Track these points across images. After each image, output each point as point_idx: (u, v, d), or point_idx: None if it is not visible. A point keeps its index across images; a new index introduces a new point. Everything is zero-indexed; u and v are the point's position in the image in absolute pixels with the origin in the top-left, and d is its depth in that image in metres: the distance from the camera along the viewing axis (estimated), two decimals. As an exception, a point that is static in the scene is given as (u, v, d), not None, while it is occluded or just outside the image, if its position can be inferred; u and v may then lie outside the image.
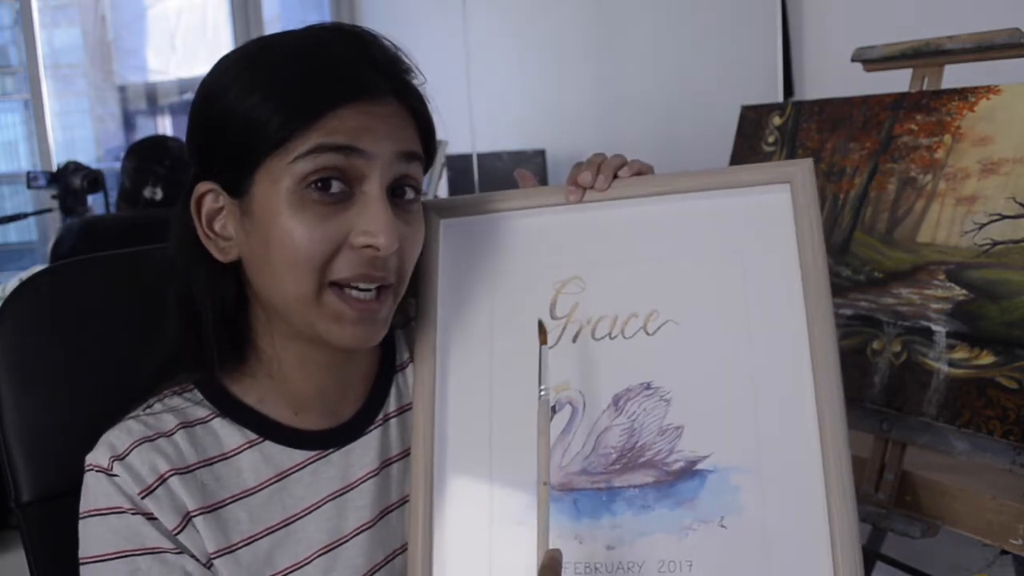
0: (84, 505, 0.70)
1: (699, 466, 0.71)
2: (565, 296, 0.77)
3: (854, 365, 1.06)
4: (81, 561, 0.69)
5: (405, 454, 0.80)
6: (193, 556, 0.69)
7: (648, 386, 0.74)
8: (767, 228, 0.74)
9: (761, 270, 0.74)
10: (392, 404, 0.81)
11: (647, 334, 0.75)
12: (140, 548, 0.68)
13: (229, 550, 0.71)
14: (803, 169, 0.74)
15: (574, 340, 0.76)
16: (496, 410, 0.76)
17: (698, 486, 0.70)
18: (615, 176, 0.78)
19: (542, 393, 0.69)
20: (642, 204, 0.77)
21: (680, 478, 0.71)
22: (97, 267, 0.86)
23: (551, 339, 0.76)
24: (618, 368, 0.74)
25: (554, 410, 0.74)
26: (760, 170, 0.77)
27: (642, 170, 0.79)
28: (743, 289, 0.74)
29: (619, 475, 0.72)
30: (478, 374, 0.78)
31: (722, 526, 0.69)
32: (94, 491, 0.69)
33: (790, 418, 0.70)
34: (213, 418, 0.74)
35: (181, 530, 0.69)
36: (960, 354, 0.97)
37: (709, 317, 0.74)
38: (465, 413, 0.77)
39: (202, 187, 0.71)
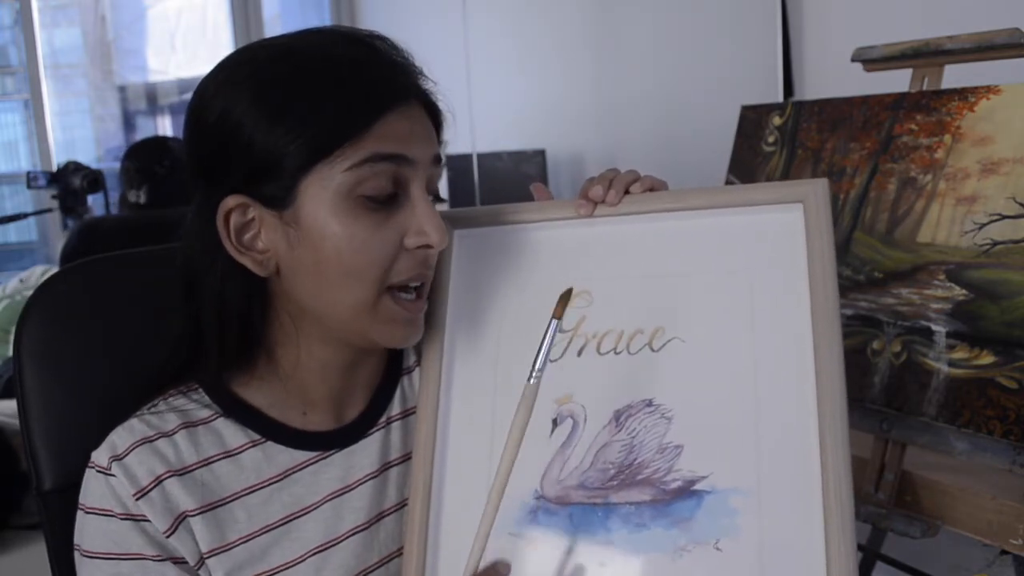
0: (82, 498, 0.72)
1: (697, 486, 0.70)
2: (572, 309, 0.77)
3: (854, 365, 1.06)
4: (74, 546, 0.72)
5: (405, 458, 0.80)
6: (180, 560, 0.71)
7: (650, 403, 0.73)
8: (778, 248, 0.73)
9: (770, 290, 0.73)
10: (396, 407, 0.81)
11: (652, 350, 0.74)
12: (124, 553, 0.70)
13: (225, 548, 0.72)
14: (817, 189, 0.73)
15: (579, 354, 0.76)
16: (498, 420, 0.76)
17: (695, 507, 0.69)
18: (627, 191, 0.78)
19: (536, 374, 0.67)
20: (653, 220, 0.77)
21: (677, 497, 0.70)
22: (124, 263, 0.87)
23: (556, 352, 0.76)
24: (621, 383, 0.74)
25: (555, 423, 0.74)
26: (773, 189, 0.76)
27: (654, 186, 0.78)
28: (751, 309, 0.73)
29: (616, 491, 0.71)
30: (482, 383, 0.78)
31: (717, 548, 0.68)
32: (92, 489, 0.71)
33: (792, 443, 0.69)
34: (216, 418, 0.75)
35: (173, 532, 0.70)
36: (960, 354, 0.97)
37: (715, 336, 0.73)
38: (467, 422, 0.77)
39: (231, 201, 0.69)
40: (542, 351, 0.67)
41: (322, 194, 0.67)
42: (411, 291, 0.72)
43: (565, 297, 0.70)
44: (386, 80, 0.69)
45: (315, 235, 0.68)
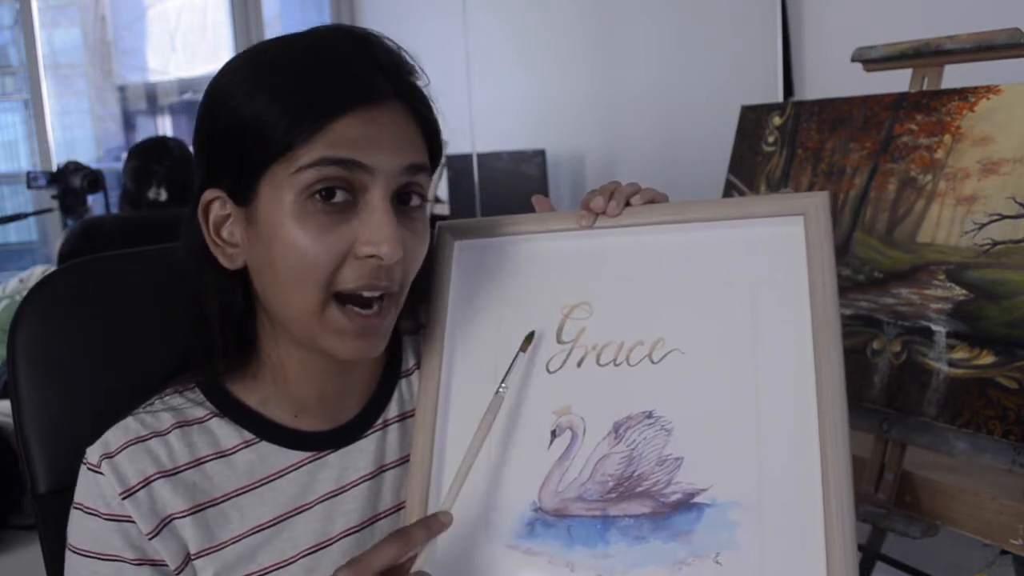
0: (75, 494, 0.72)
1: (697, 499, 0.69)
2: (572, 321, 0.77)
3: (854, 365, 1.06)
4: (67, 540, 0.73)
5: (401, 461, 0.80)
6: (159, 563, 0.71)
7: (650, 415, 0.72)
8: (778, 260, 0.73)
9: (771, 303, 0.73)
10: (393, 409, 0.81)
11: (652, 362, 0.74)
12: (104, 553, 0.71)
13: (215, 549, 0.72)
14: (818, 202, 0.73)
15: (579, 365, 0.76)
16: (496, 431, 0.76)
17: (695, 520, 0.69)
18: (627, 203, 0.78)
19: (501, 389, 0.73)
20: (653, 232, 0.77)
21: (677, 510, 0.69)
22: (118, 264, 0.87)
23: (556, 363, 0.77)
24: (620, 395, 0.74)
25: (554, 435, 0.74)
26: (774, 201, 0.76)
27: (655, 198, 0.78)
28: (751, 322, 0.72)
29: (615, 504, 0.71)
30: (481, 394, 0.77)
31: (717, 562, 0.67)
32: (82, 486, 0.72)
33: (793, 456, 0.68)
34: (211, 418, 0.75)
35: (156, 534, 0.71)
36: (960, 354, 0.97)
37: (715, 348, 0.73)
38: (465, 432, 0.77)
39: (209, 194, 0.71)
40: (509, 374, 0.73)
41: (276, 193, 0.67)
42: (368, 304, 0.69)
43: (529, 339, 0.75)
44: (351, 77, 0.67)
45: (268, 234, 0.68)
